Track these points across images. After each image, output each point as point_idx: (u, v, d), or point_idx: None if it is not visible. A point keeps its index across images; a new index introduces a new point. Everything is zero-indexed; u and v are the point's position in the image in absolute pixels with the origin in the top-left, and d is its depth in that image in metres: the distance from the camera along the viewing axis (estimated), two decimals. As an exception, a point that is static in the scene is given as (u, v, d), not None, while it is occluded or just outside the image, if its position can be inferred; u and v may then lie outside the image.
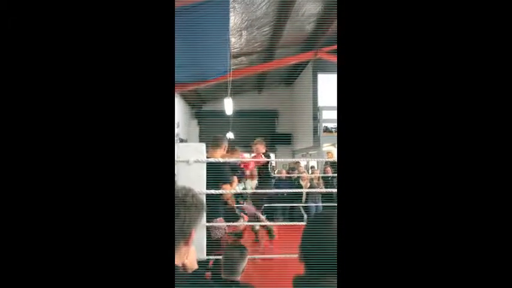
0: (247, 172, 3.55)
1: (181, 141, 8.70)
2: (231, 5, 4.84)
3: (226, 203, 2.66)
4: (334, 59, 7.85)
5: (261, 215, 3.59)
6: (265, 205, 3.74)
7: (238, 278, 1.73)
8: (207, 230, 2.44)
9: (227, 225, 2.67)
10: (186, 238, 0.94)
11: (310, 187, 5.99)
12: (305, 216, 6.16)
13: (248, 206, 3.62)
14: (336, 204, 0.79)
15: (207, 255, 2.19)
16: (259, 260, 3.29)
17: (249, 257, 1.83)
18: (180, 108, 9.65)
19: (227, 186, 2.54)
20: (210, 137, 2.86)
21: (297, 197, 5.77)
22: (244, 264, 1.73)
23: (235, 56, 7.03)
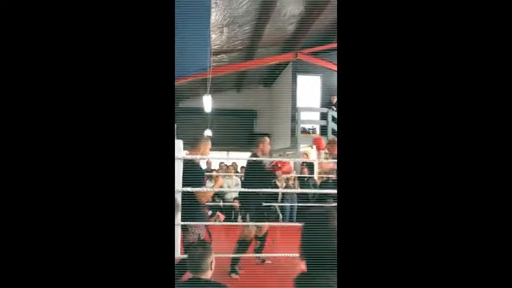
0: (280, 172, 3.52)
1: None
2: (212, 1, 4.79)
3: (200, 204, 2.63)
4: (314, 60, 7.92)
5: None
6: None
7: (206, 275, 1.70)
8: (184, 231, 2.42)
9: (204, 224, 2.64)
10: None
11: (286, 187, 6.03)
12: (280, 216, 6.19)
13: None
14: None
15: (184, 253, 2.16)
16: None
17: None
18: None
19: (203, 193, 2.51)
20: (186, 135, 2.82)
21: (273, 197, 5.79)
22: (209, 260, 1.70)
23: (216, 53, 6.96)
